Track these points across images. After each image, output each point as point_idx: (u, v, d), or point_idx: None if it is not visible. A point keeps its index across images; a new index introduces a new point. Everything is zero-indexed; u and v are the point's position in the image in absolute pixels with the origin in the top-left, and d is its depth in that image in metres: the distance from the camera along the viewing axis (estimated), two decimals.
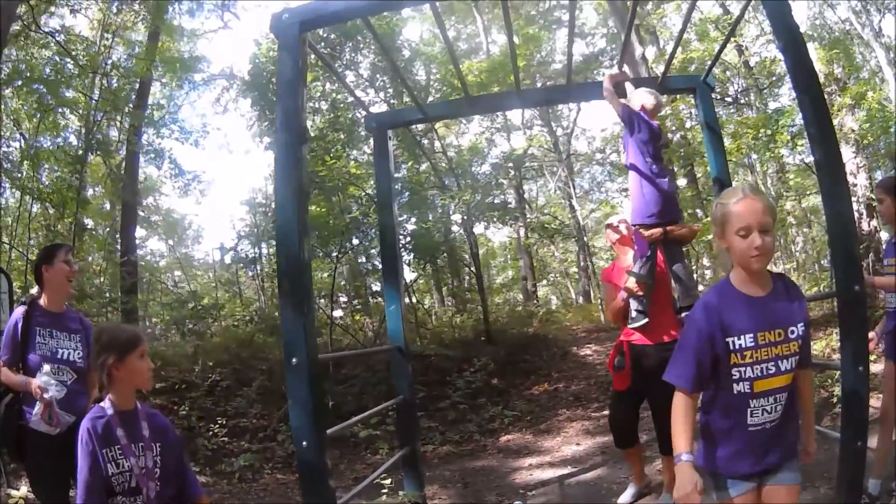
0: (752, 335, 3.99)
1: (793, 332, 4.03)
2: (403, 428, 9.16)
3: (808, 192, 21.18)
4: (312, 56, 8.32)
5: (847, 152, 18.01)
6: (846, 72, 21.23)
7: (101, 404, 4.33)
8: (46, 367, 6.05)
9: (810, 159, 17.54)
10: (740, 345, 4.00)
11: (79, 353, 6.33)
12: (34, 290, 6.61)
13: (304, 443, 5.52)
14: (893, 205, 7.09)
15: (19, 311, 6.36)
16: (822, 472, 7.81)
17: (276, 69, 6.72)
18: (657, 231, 7.44)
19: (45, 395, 5.88)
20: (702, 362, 4.09)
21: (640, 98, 7.84)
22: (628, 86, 8.37)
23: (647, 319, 7.50)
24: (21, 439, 6.05)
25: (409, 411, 8.86)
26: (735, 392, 4.07)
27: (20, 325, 6.24)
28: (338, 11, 6.57)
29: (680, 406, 4.18)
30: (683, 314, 7.24)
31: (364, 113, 20.28)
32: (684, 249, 8.14)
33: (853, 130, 18.38)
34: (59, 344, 6.29)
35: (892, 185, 7.29)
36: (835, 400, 10.32)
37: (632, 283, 7.51)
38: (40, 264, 6.51)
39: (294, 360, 5.53)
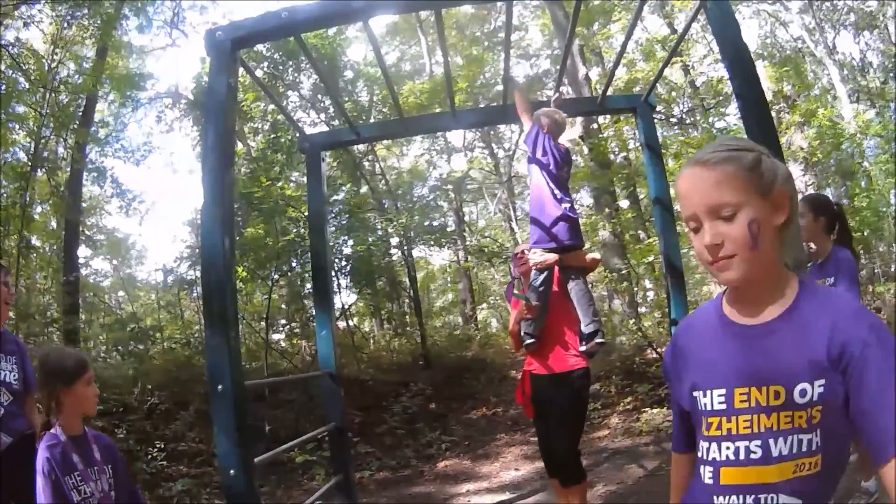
0: (722, 392, 2.49)
1: (803, 392, 2.30)
2: (336, 455, 9.07)
3: None
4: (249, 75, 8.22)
5: (795, 170, 18.14)
6: (796, 90, 21.40)
7: (52, 431, 4.31)
8: None
9: None
10: (706, 405, 2.51)
11: (14, 375, 6.12)
12: None
13: (231, 471, 5.38)
14: (813, 222, 7.09)
15: None
16: None
17: (208, 87, 6.61)
18: (551, 257, 7.43)
19: None
20: (681, 413, 2.82)
21: (544, 118, 7.78)
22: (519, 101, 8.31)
23: (532, 341, 7.42)
24: None
25: (341, 438, 8.78)
26: (701, 478, 2.57)
27: None
28: (270, 29, 6.49)
29: (672, 467, 3.01)
30: (589, 344, 7.24)
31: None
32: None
33: (801, 148, 18.51)
34: None
35: (814, 200, 7.37)
36: None
37: (522, 305, 7.45)
38: None
39: (219, 386, 5.39)
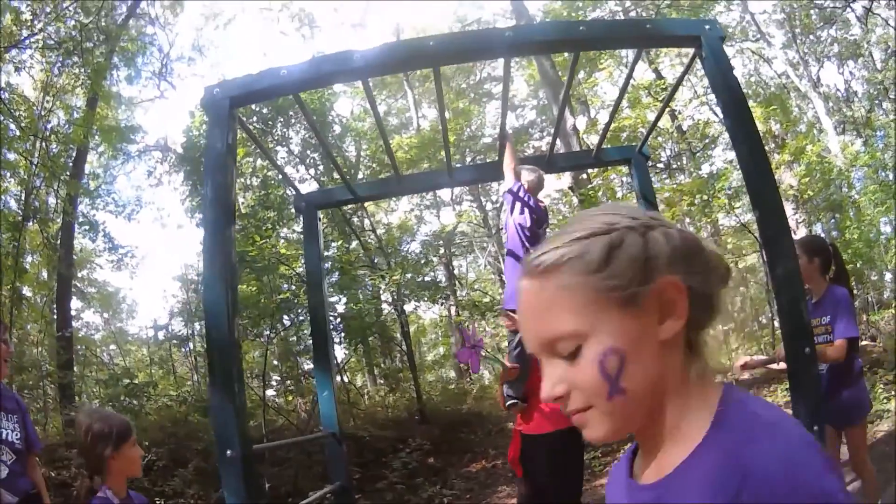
0: None
1: None
2: None
3: (744, 253, 21.37)
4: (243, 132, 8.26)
5: (787, 209, 18.21)
6: (784, 128, 21.48)
7: (101, 495, 4.32)
8: None
9: (746, 219, 17.68)
10: None
11: (17, 434, 6.10)
12: None
13: None
14: (808, 263, 7.12)
15: None
16: None
17: (206, 144, 6.60)
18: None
19: None
20: None
21: (525, 175, 7.80)
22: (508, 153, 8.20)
23: (513, 402, 7.36)
24: None
25: (346, 497, 8.74)
26: None
27: None
28: (268, 88, 6.46)
29: None
30: None
31: (294, 191, 20.49)
32: None
33: (792, 186, 18.57)
34: None
35: (809, 243, 7.40)
36: None
37: (504, 369, 7.46)
38: None
39: (228, 452, 5.34)
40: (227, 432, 5.41)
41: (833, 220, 22.19)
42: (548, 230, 7.99)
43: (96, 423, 4.46)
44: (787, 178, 19.00)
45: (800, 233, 18.39)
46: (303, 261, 17.60)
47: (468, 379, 29.12)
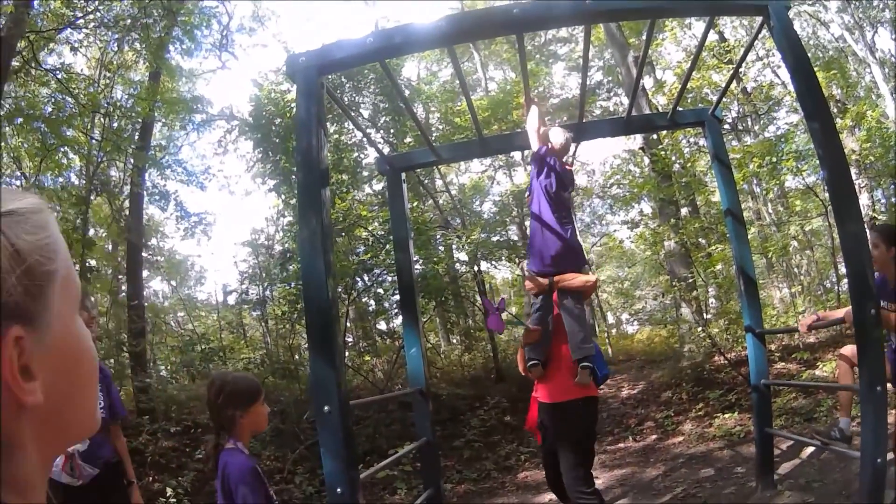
0: None
1: None
2: (427, 469, 9.20)
3: (810, 216, 21.23)
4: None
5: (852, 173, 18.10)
6: (845, 93, 21.31)
7: (231, 446, 4.53)
8: None
9: (810, 181, 17.59)
10: None
11: (100, 405, 6.17)
12: None
13: (339, 489, 5.56)
14: (885, 252, 6.96)
15: None
16: (840, 490, 7.84)
17: (295, 112, 6.71)
18: (542, 281, 7.41)
19: (68, 450, 5.86)
20: None
21: (555, 137, 7.75)
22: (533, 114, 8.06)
23: (534, 363, 7.34)
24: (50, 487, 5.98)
25: (431, 453, 8.89)
26: None
27: None
28: (355, 55, 6.64)
29: None
30: (580, 375, 7.02)
31: (367, 154, 20.30)
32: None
33: (854, 151, 18.42)
34: None
35: (886, 231, 7.24)
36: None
37: (526, 331, 7.44)
38: None
39: (326, 408, 5.56)
40: (327, 390, 5.61)
41: (893, 186, 21.92)
42: (573, 193, 8.00)
43: (228, 385, 4.64)
44: (849, 143, 18.82)
45: (862, 197, 18.16)
46: (377, 222, 17.71)
47: None
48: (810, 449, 9.79)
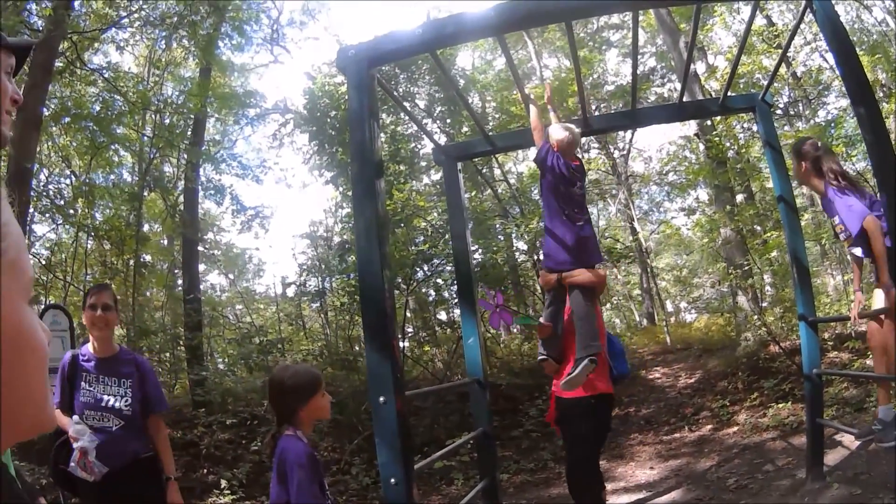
0: None
1: None
2: (483, 460, 9.24)
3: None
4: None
5: None
6: (890, 77, 21.13)
7: (290, 433, 4.65)
8: (76, 418, 6.06)
9: (860, 166, 17.47)
10: None
11: (126, 401, 6.31)
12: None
13: (392, 480, 5.60)
14: (799, 168, 7.81)
15: (67, 356, 6.44)
16: (884, 482, 7.81)
17: (347, 104, 6.78)
18: (552, 277, 7.47)
19: (77, 445, 5.93)
20: None
21: (554, 134, 7.68)
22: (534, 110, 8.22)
23: (543, 358, 7.49)
24: (71, 479, 6.11)
25: (488, 443, 8.94)
26: None
27: (66, 370, 6.32)
28: (405, 47, 6.69)
29: None
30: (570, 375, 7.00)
31: (424, 144, 20.36)
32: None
33: None
34: (105, 390, 6.30)
35: (793, 149, 8.06)
36: None
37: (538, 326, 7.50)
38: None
39: (381, 398, 5.61)
40: (383, 381, 5.65)
41: None
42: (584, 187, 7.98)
43: (288, 379, 4.77)
44: (894, 127, 18.69)
45: None
46: (435, 213, 17.74)
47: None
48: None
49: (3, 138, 2.17)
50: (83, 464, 5.91)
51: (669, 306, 40.47)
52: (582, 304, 7.27)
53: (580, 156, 8.45)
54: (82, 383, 6.26)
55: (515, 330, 20.84)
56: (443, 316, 21.42)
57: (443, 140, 18.94)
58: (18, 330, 1.11)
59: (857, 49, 6.40)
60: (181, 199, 23.69)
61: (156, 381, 6.75)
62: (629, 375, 8.32)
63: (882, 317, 7.54)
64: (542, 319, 7.51)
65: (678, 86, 18.22)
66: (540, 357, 7.50)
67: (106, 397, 6.24)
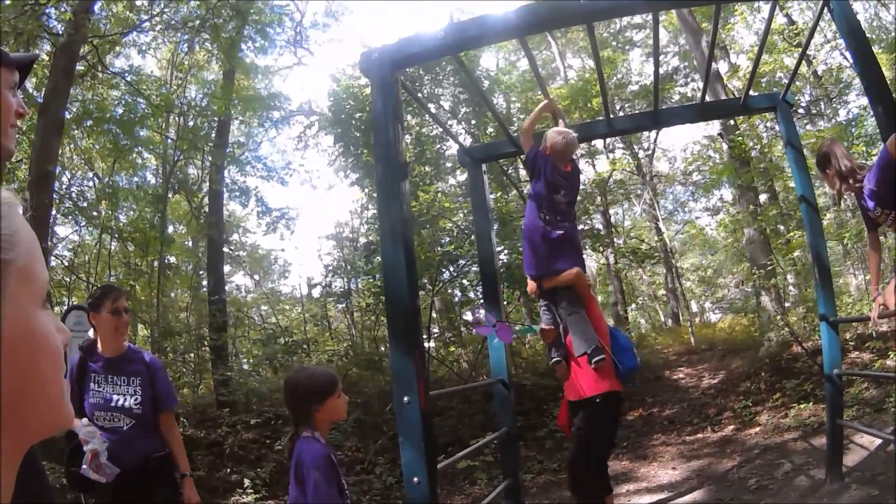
0: None
1: None
2: (507, 460, 9.25)
3: None
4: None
5: None
6: None
7: (308, 434, 4.63)
8: (84, 420, 6.01)
9: None
10: None
11: (136, 399, 6.27)
12: (91, 333, 6.59)
13: (415, 479, 5.63)
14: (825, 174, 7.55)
15: (75, 357, 6.40)
16: None
17: (371, 107, 6.82)
18: (533, 284, 7.59)
19: (87, 447, 5.88)
20: None
21: (550, 137, 7.64)
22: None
23: (556, 360, 7.54)
24: (86, 481, 6.02)
25: (511, 443, 8.97)
26: None
27: (75, 372, 6.30)
28: (428, 50, 6.67)
29: None
30: (593, 364, 7.03)
31: (449, 146, 20.39)
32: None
33: None
34: (115, 390, 6.27)
35: (817, 162, 7.71)
36: None
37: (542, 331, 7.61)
38: (89, 310, 6.41)
39: (406, 398, 5.64)
40: (407, 380, 5.66)
41: None
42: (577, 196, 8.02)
43: (304, 380, 4.79)
44: None
45: None
46: (461, 213, 17.79)
47: (627, 327, 28.76)
48: (878, 441, 9.78)
49: (8, 152, 2.24)
50: (95, 466, 5.90)
51: (694, 306, 40.45)
52: (567, 305, 7.36)
53: (578, 163, 8.46)
54: (91, 384, 6.26)
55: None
56: (468, 316, 21.42)
57: (468, 141, 18.97)
58: (32, 332, 1.17)
59: (875, 47, 6.47)
60: (206, 200, 23.75)
61: (165, 377, 6.72)
62: (638, 368, 8.31)
63: None
64: (542, 325, 7.60)
65: (701, 85, 18.27)
66: (553, 360, 7.56)
67: (115, 397, 6.24)
